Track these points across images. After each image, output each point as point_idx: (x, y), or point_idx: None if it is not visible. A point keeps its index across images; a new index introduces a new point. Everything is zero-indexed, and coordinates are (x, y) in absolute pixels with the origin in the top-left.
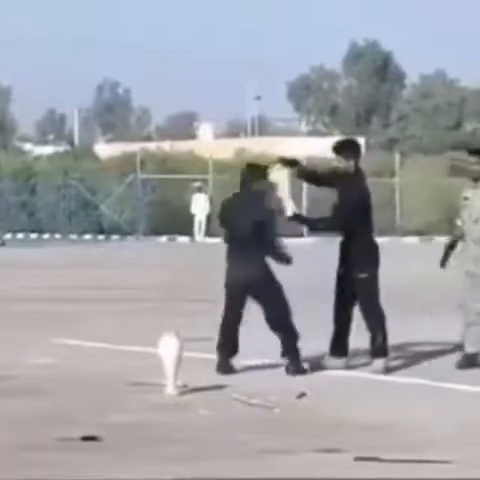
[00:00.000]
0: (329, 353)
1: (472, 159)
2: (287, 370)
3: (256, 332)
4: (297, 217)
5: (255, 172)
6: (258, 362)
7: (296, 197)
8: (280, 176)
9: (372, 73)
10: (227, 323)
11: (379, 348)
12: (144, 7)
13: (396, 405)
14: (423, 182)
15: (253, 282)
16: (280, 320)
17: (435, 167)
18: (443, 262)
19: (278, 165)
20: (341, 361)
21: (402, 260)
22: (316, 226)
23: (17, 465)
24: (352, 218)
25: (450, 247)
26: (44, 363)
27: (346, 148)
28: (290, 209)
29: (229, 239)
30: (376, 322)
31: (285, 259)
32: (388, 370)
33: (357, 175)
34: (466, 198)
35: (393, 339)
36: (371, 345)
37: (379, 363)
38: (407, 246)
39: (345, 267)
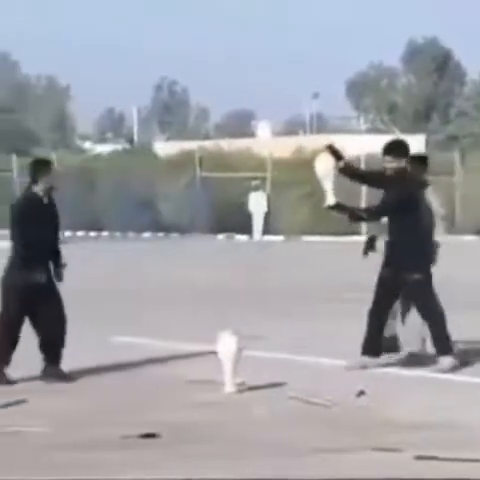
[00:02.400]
0: (362, 352)
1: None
2: None
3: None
4: (337, 206)
5: (40, 167)
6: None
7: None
8: (325, 166)
9: (432, 70)
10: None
11: (444, 346)
12: (201, 8)
13: (453, 404)
14: None
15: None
16: None
17: None
18: (365, 250)
19: (324, 154)
20: (375, 361)
21: (461, 259)
22: (357, 215)
23: (73, 464)
24: (397, 211)
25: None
26: (102, 361)
27: (398, 148)
28: (330, 198)
29: None
30: (437, 321)
31: None
32: (456, 368)
33: (407, 173)
34: None
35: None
36: (435, 345)
37: (446, 361)
38: (467, 244)
39: (391, 268)
